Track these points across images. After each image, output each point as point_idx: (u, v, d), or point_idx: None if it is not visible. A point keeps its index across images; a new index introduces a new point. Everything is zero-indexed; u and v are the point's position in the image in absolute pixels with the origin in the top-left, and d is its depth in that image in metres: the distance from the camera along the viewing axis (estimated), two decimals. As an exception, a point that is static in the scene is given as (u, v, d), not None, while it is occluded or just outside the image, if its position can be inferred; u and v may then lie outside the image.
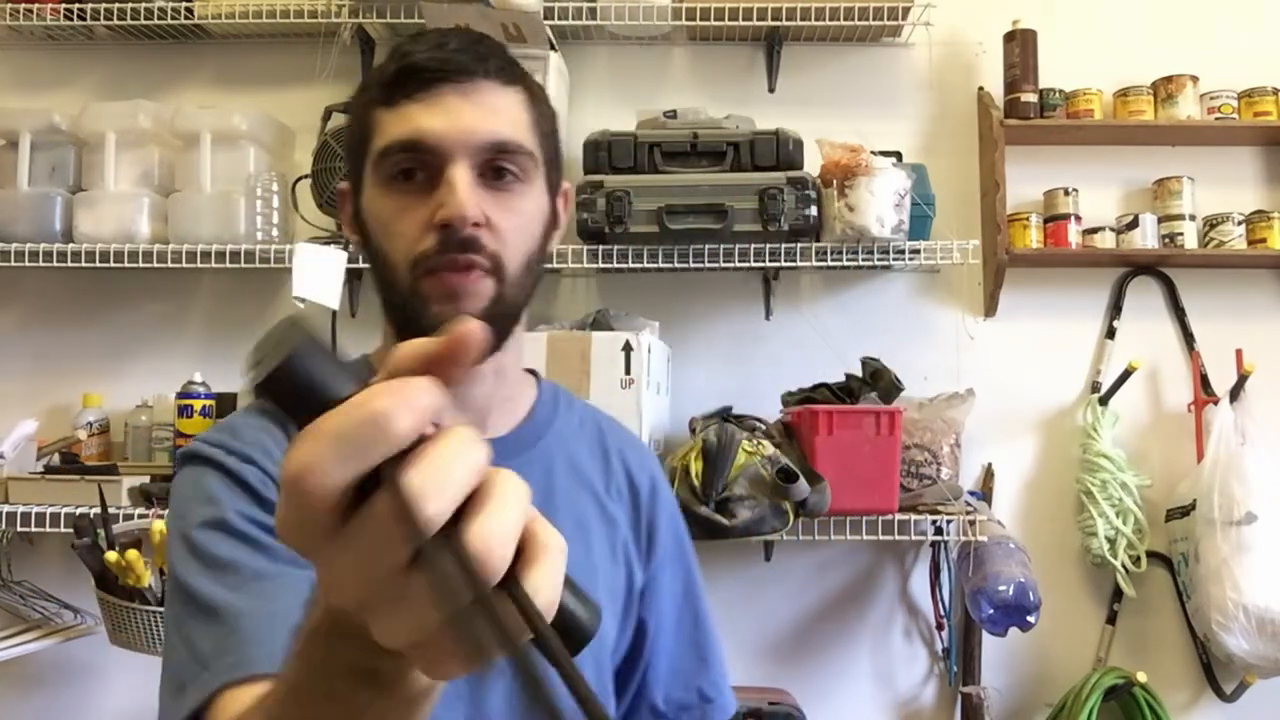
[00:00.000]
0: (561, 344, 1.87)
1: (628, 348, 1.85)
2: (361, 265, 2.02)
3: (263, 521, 0.79)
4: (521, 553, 0.39)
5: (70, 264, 2.02)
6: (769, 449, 1.89)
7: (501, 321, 0.85)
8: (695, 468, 1.84)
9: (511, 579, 0.38)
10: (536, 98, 0.90)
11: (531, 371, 0.99)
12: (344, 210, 0.93)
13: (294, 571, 0.75)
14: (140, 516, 1.84)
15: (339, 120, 2.07)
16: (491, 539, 0.37)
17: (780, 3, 2.09)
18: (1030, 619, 1.90)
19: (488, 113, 0.84)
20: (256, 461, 0.82)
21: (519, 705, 0.85)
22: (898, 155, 2.06)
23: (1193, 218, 2.18)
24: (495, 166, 0.84)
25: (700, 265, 1.98)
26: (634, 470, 1.00)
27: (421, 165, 0.83)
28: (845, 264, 2.00)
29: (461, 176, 0.82)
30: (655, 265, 1.98)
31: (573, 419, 0.98)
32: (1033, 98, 2.17)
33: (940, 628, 2.14)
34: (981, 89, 2.25)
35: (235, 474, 0.81)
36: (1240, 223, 2.16)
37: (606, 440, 1.00)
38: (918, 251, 2.02)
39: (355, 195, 0.89)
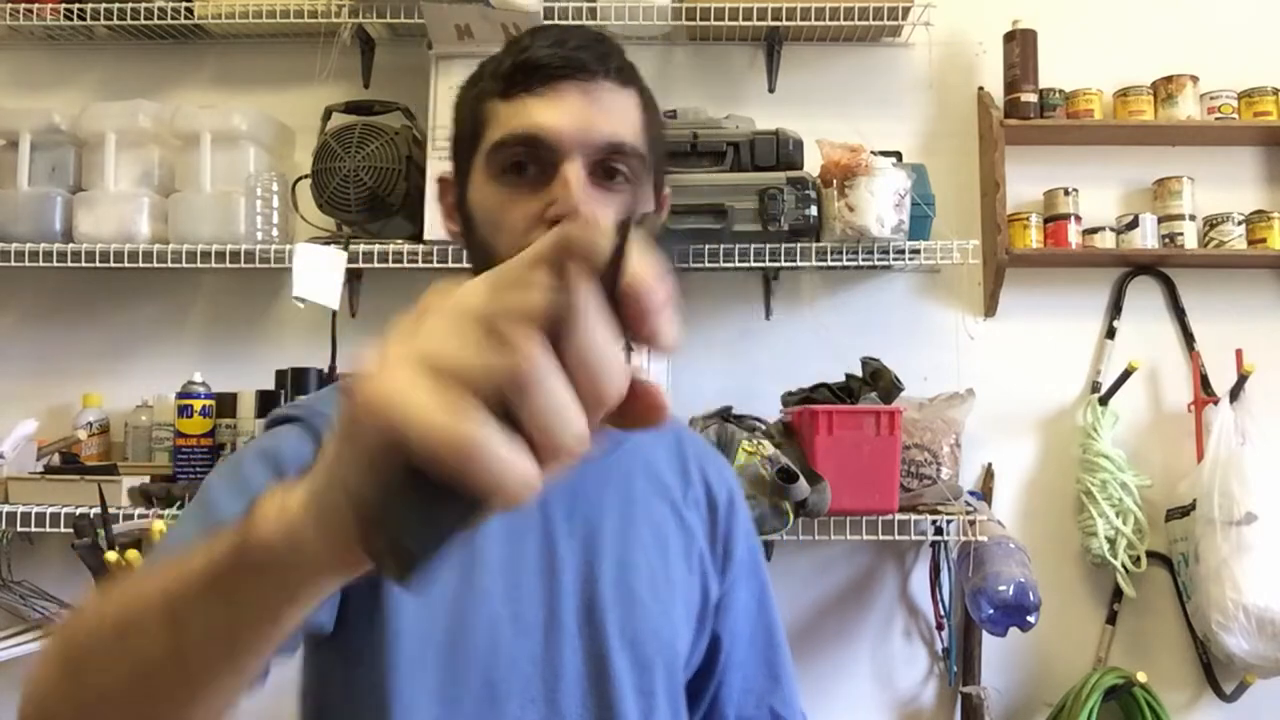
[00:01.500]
0: (561, 344, 1.87)
1: (627, 348, 1.85)
2: (361, 265, 2.03)
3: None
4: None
5: (70, 264, 2.02)
6: (769, 449, 1.89)
7: None
8: (695, 468, 1.84)
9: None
10: (649, 101, 0.90)
11: None
12: (444, 199, 0.93)
13: None
14: (140, 516, 1.84)
15: (339, 120, 2.07)
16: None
17: (780, 3, 2.09)
18: (1030, 619, 1.90)
19: (605, 112, 0.84)
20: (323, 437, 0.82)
21: (593, 706, 0.85)
22: (898, 155, 2.06)
23: (1193, 218, 2.18)
24: (607, 167, 0.84)
25: (700, 265, 1.98)
26: (713, 482, 1.00)
27: (535, 160, 0.83)
28: (845, 264, 2.00)
29: (576, 173, 0.81)
30: (655, 265, 1.98)
31: None
32: (1033, 98, 2.17)
33: (940, 628, 2.14)
34: (981, 89, 2.25)
35: (315, 429, 0.82)
36: (1240, 223, 2.16)
37: (685, 450, 1.00)
38: (918, 251, 2.02)
39: (461, 185, 0.89)
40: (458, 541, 0.39)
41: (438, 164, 1.99)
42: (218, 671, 0.49)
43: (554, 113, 0.82)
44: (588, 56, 0.84)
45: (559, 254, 0.37)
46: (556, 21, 2.07)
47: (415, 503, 0.38)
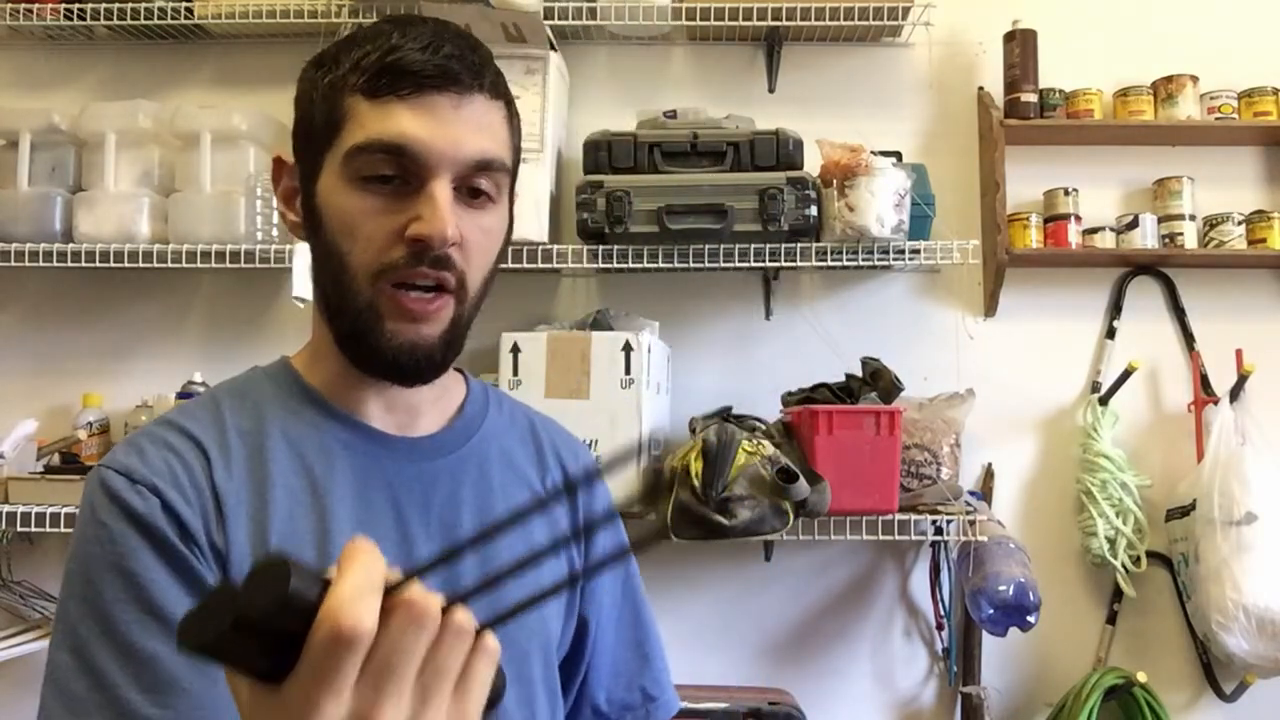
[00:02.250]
0: (561, 344, 1.87)
1: (628, 348, 1.86)
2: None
3: (163, 583, 0.74)
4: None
5: (70, 264, 2.02)
6: (769, 449, 1.89)
7: (455, 343, 0.83)
8: (695, 468, 1.84)
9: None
10: (514, 111, 0.87)
11: (460, 370, 0.96)
12: (280, 182, 0.89)
13: (210, 688, 0.72)
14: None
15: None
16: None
17: (780, 3, 2.09)
18: (1030, 619, 1.90)
19: (476, 129, 0.80)
20: (161, 494, 0.76)
21: None
22: (898, 155, 2.06)
23: (1193, 218, 2.18)
24: (472, 185, 0.81)
25: (700, 265, 1.98)
26: (568, 464, 0.98)
27: (401, 171, 0.79)
28: (845, 264, 2.01)
29: (444, 193, 0.78)
30: (655, 265, 1.98)
31: (504, 415, 0.96)
32: (1033, 98, 2.17)
33: (940, 628, 2.14)
34: (981, 89, 2.25)
35: (141, 519, 0.75)
36: (1240, 223, 2.16)
37: (539, 435, 0.98)
38: (918, 251, 2.02)
39: (308, 177, 0.85)
40: None
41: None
42: None
43: (424, 125, 0.78)
44: (461, 67, 0.80)
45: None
46: (570, 25, 2.07)
47: None
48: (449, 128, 0.79)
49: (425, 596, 0.44)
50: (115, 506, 0.76)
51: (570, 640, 0.95)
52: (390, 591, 0.44)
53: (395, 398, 0.86)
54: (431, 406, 0.89)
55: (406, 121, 0.79)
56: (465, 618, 0.46)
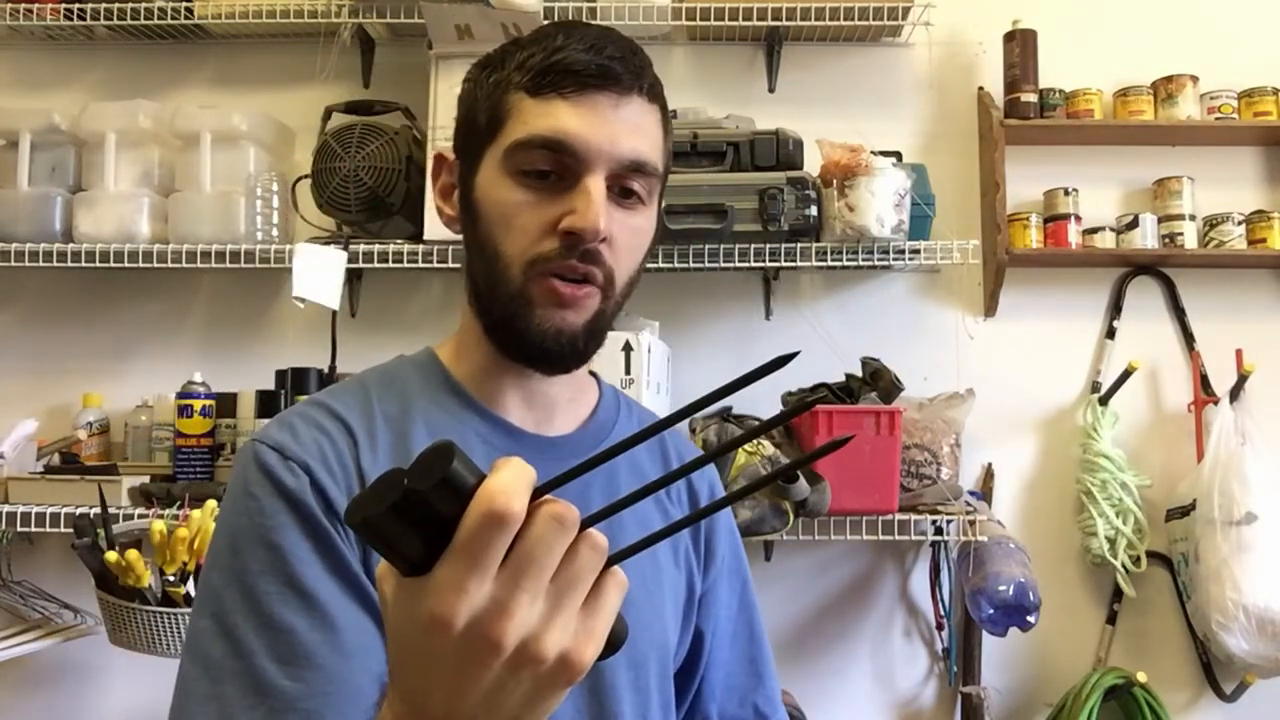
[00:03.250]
0: (561, 344, 1.87)
1: (628, 348, 1.86)
2: (361, 265, 2.02)
3: (309, 560, 0.76)
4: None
5: (70, 264, 2.02)
6: (769, 449, 1.89)
7: (598, 336, 0.86)
8: (695, 468, 1.84)
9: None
10: (668, 119, 0.91)
11: (594, 374, 0.99)
12: (440, 177, 0.92)
13: (342, 665, 0.74)
14: (140, 516, 1.84)
15: (339, 120, 2.07)
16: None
17: (780, 3, 2.09)
18: (1030, 619, 1.90)
19: (633, 129, 0.84)
20: (311, 471, 0.79)
21: (587, 705, 0.85)
22: (898, 155, 2.06)
23: (1193, 218, 2.18)
24: (625, 185, 0.84)
25: (700, 265, 1.98)
26: (694, 478, 1.00)
27: (558, 166, 0.81)
28: (845, 264, 2.00)
29: (598, 187, 0.81)
30: (655, 265, 1.98)
31: (633, 422, 0.98)
32: (1033, 98, 2.17)
33: (940, 628, 2.14)
34: (981, 89, 2.25)
35: (290, 494, 0.78)
36: (1240, 223, 2.16)
37: (667, 446, 1.00)
38: (918, 251, 2.02)
39: (467, 172, 0.87)
40: None
41: (438, 164, 1.99)
42: None
43: (585, 121, 0.81)
44: (623, 69, 0.83)
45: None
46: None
47: None
48: (607, 125, 0.82)
49: (567, 505, 0.46)
50: (267, 481, 0.78)
51: (685, 652, 0.96)
52: (535, 499, 0.47)
53: (534, 393, 0.88)
54: (567, 405, 0.92)
55: (567, 118, 0.81)
56: (601, 538, 0.47)
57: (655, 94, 0.87)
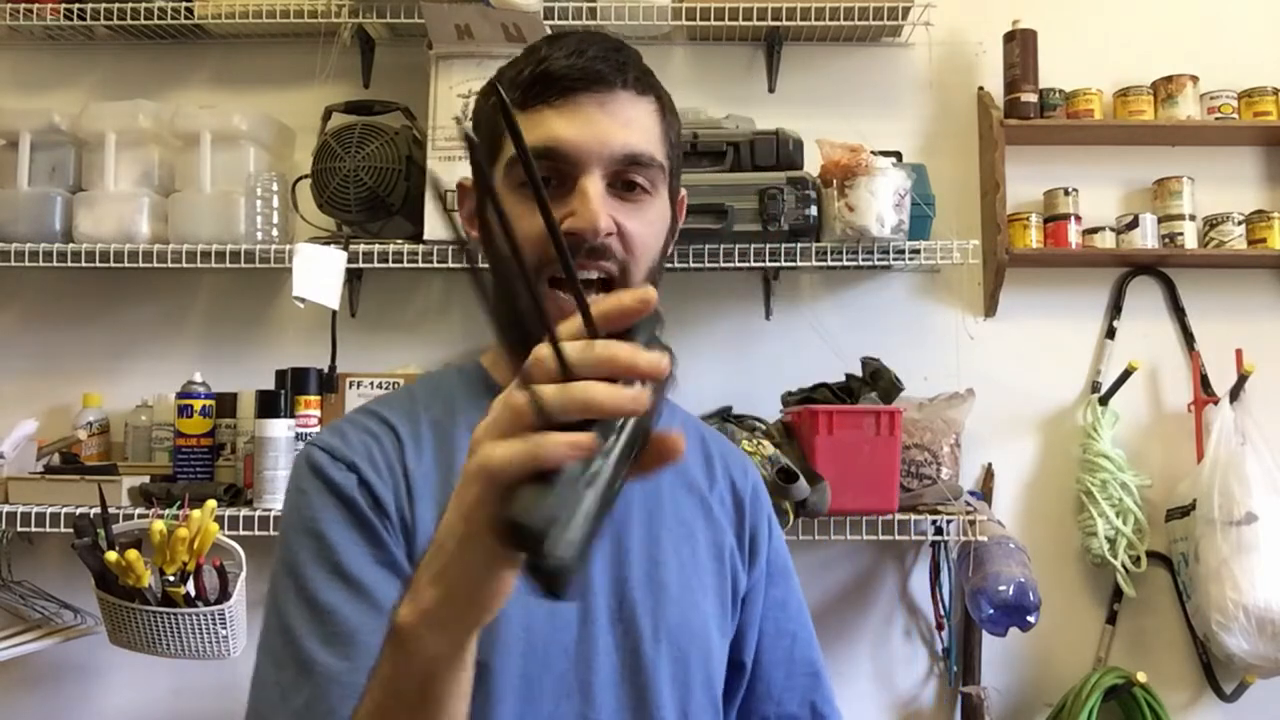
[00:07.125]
0: (561, 344, 1.87)
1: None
2: (361, 265, 2.03)
3: (355, 546, 0.81)
4: None
5: (70, 264, 2.02)
6: (769, 449, 1.89)
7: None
8: (695, 468, 1.84)
9: None
10: (666, 107, 0.92)
11: None
12: (464, 205, 0.96)
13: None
14: (140, 516, 1.84)
15: (339, 120, 2.07)
16: None
17: (780, 3, 2.09)
18: (1030, 619, 1.90)
19: (623, 124, 0.85)
20: (359, 470, 0.84)
21: (629, 699, 0.86)
22: (898, 155, 2.06)
23: (1193, 218, 2.18)
24: (626, 179, 0.85)
25: (700, 265, 1.98)
26: (736, 477, 1.02)
27: (554, 173, 0.83)
28: (845, 264, 2.00)
29: (594, 186, 0.83)
30: (655, 265, 1.98)
31: (674, 422, 0.99)
32: (1033, 98, 2.17)
33: (940, 628, 2.14)
34: (981, 89, 2.25)
35: (337, 489, 0.83)
36: (1240, 223, 2.16)
37: (709, 446, 1.02)
38: (918, 251, 2.02)
39: (479, 195, 0.90)
40: (591, 527, 0.49)
41: (438, 164, 1.99)
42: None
43: (571, 126, 0.83)
44: (605, 67, 0.85)
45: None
46: (570, 25, 2.07)
47: (536, 493, 0.49)
48: (595, 125, 0.84)
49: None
50: (317, 479, 0.84)
51: (728, 650, 0.97)
52: None
53: None
54: None
55: (556, 125, 0.84)
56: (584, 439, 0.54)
57: (645, 86, 0.89)
